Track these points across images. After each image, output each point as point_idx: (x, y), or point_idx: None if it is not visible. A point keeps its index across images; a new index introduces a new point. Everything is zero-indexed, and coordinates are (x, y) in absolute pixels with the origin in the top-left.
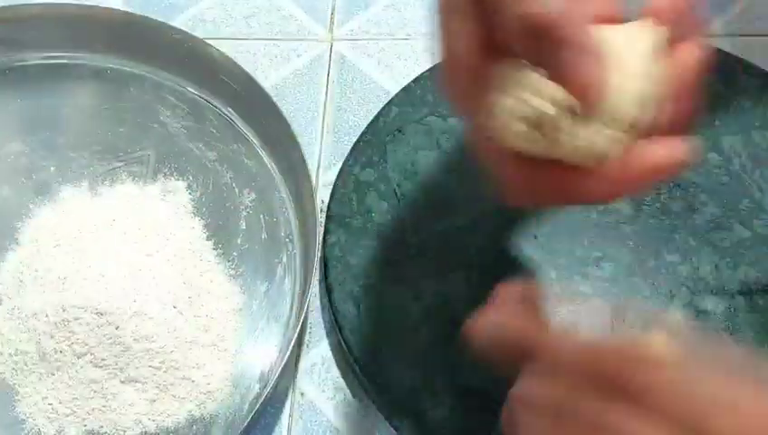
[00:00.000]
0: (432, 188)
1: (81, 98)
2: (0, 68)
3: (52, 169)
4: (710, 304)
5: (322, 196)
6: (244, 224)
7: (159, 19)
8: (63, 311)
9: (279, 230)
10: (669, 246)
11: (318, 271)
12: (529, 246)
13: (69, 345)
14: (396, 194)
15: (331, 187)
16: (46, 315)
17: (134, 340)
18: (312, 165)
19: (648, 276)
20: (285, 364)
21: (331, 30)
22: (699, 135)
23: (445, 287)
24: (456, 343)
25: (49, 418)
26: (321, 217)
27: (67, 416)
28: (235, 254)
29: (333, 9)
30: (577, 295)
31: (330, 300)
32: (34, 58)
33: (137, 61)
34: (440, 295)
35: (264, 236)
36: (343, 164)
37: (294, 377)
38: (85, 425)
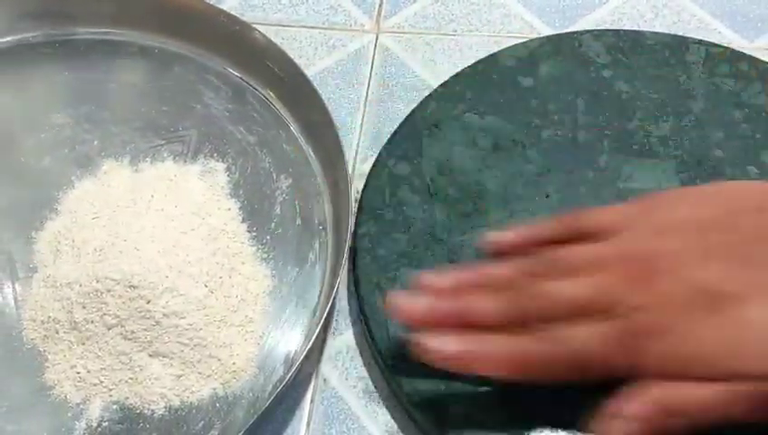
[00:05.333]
0: (465, 185)
1: (126, 74)
2: (49, 41)
3: (94, 142)
4: None
5: (358, 186)
6: (279, 209)
7: (209, 1)
8: (97, 282)
9: (313, 217)
10: None
11: (347, 260)
12: None
13: (100, 316)
14: (429, 189)
15: (366, 178)
16: (80, 285)
17: (164, 315)
18: (349, 155)
19: None
20: (310, 350)
21: (377, 22)
22: (738, 149)
23: None
24: None
25: (76, 386)
26: (355, 208)
27: (94, 385)
28: (268, 238)
29: (381, 1)
30: None
31: (357, 290)
32: (83, 33)
33: (184, 41)
34: None
35: (298, 222)
36: (378, 156)
37: (319, 363)
38: (111, 396)
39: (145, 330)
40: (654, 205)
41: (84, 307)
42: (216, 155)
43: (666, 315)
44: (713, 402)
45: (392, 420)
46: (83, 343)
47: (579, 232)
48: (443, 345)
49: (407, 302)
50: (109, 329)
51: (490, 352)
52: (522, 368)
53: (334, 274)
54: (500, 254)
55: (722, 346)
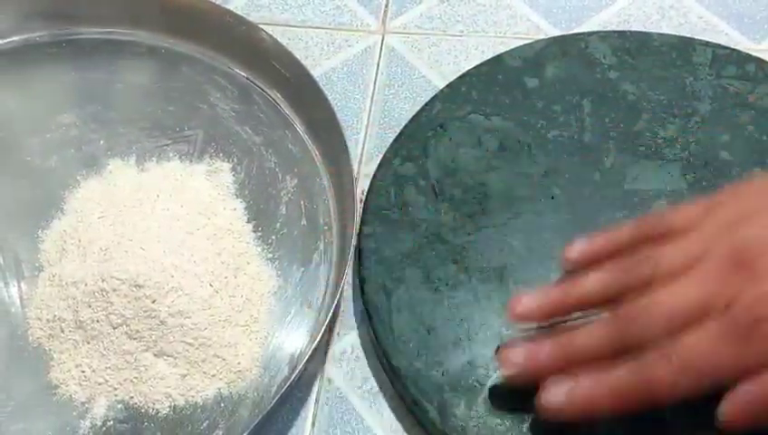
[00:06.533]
0: (471, 185)
1: (133, 75)
2: (55, 41)
3: (101, 142)
4: None
5: (363, 186)
6: (284, 209)
7: (216, 1)
8: (102, 281)
9: (318, 218)
10: None
11: (352, 261)
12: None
13: (105, 315)
14: (434, 190)
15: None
16: (85, 284)
17: (169, 315)
18: (354, 155)
19: None
20: (315, 350)
21: (383, 22)
22: (744, 150)
23: (477, 286)
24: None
25: (81, 385)
26: (360, 208)
27: (99, 384)
28: (273, 238)
29: (388, 2)
30: None
31: (362, 291)
32: (90, 33)
33: (190, 41)
34: (471, 293)
35: (303, 222)
36: (383, 156)
37: (323, 364)
38: (116, 395)
39: (150, 329)
40: (718, 201)
41: (90, 306)
42: (221, 155)
43: None
44: None
45: (397, 421)
46: (89, 342)
47: (652, 235)
48: (554, 397)
49: (513, 354)
50: (114, 328)
51: (602, 394)
52: (641, 399)
53: (339, 274)
54: (580, 267)
55: None
